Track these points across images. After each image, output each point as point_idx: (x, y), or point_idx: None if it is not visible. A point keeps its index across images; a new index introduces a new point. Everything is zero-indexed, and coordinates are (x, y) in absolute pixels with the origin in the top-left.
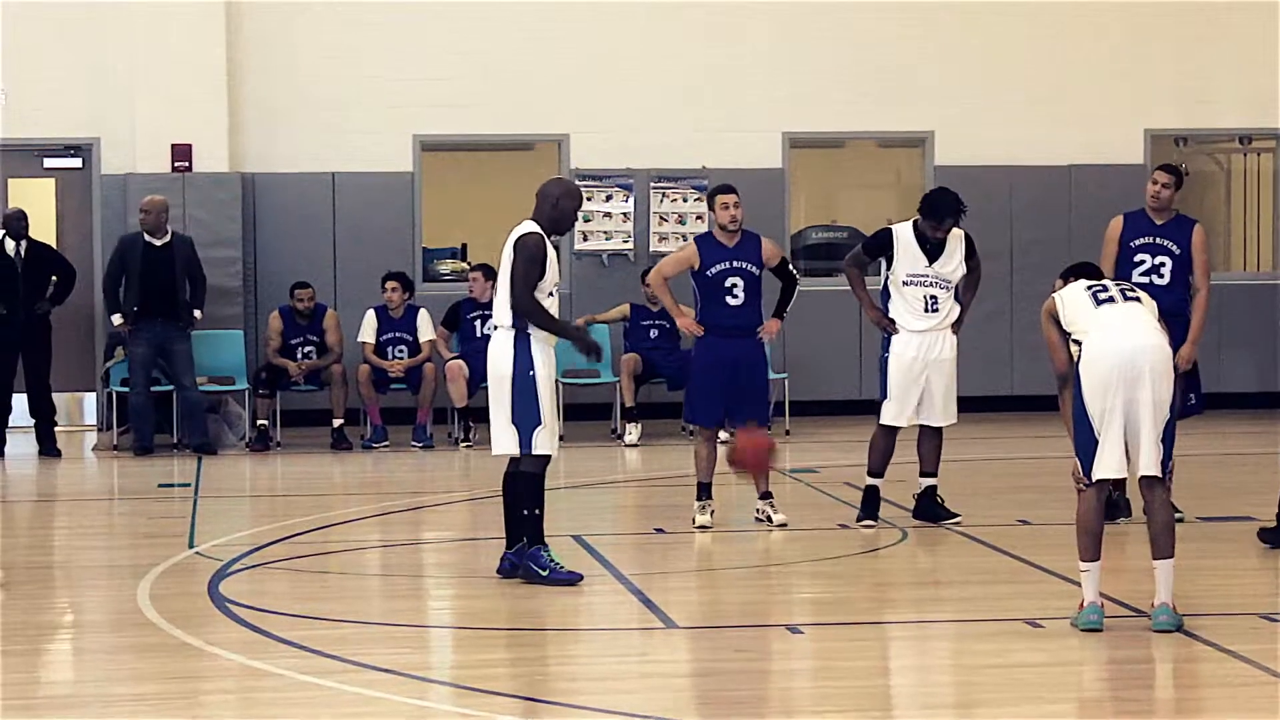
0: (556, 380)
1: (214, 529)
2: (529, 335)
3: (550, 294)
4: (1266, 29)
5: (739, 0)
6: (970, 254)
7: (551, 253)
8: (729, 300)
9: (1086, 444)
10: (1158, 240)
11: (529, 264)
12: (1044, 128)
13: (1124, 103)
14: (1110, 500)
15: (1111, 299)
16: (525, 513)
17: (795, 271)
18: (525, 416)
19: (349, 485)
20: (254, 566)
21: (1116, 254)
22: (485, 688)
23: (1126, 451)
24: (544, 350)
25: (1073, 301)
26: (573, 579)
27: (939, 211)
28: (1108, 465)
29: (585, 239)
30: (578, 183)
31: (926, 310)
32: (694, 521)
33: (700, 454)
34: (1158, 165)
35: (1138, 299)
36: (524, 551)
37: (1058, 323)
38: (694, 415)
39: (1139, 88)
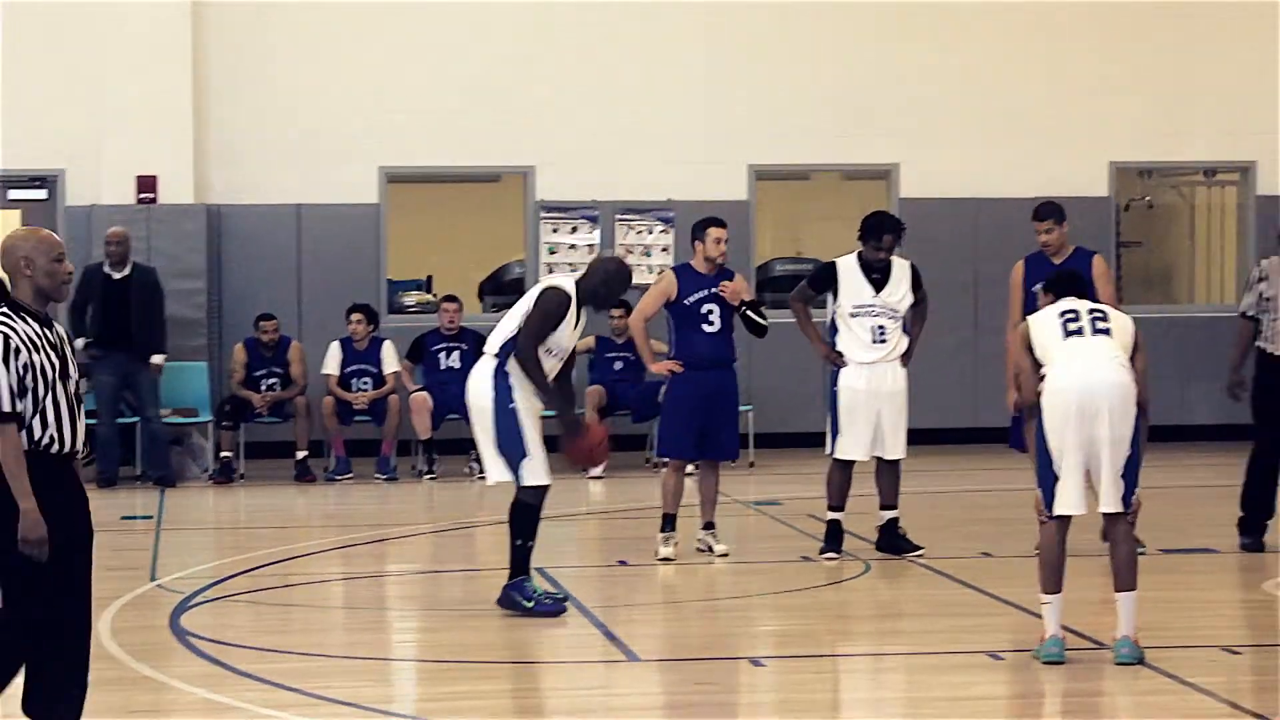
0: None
1: (176, 561)
2: (508, 370)
3: (551, 351)
4: (1231, 62)
5: (704, 33)
6: (917, 285)
7: (571, 318)
8: (705, 328)
9: (1046, 478)
10: None
11: (544, 319)
12: (1008, 160)
13: (1089, 135)
14: None
15: (1080, 330)
16: (517, 543)
17: (756, 316)
18: (511, 448)
19: (312, 517)
20: (216, 599)
21: (1023, 299)
22: None
23: (1090, 484)
24: (523, 382)
25: (1043, 328)
26: (557, 610)
27: (877, 229)
28: (1068, 501)
29: (550, 271)
30: (542, 214)
31: (874, 341)
32: (657, 553)
33: (668, 485)
34: (1035, 213)
35: (1107, 330)
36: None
37: (1031, 349)
38: (666, 449)
39: (1103, 120)
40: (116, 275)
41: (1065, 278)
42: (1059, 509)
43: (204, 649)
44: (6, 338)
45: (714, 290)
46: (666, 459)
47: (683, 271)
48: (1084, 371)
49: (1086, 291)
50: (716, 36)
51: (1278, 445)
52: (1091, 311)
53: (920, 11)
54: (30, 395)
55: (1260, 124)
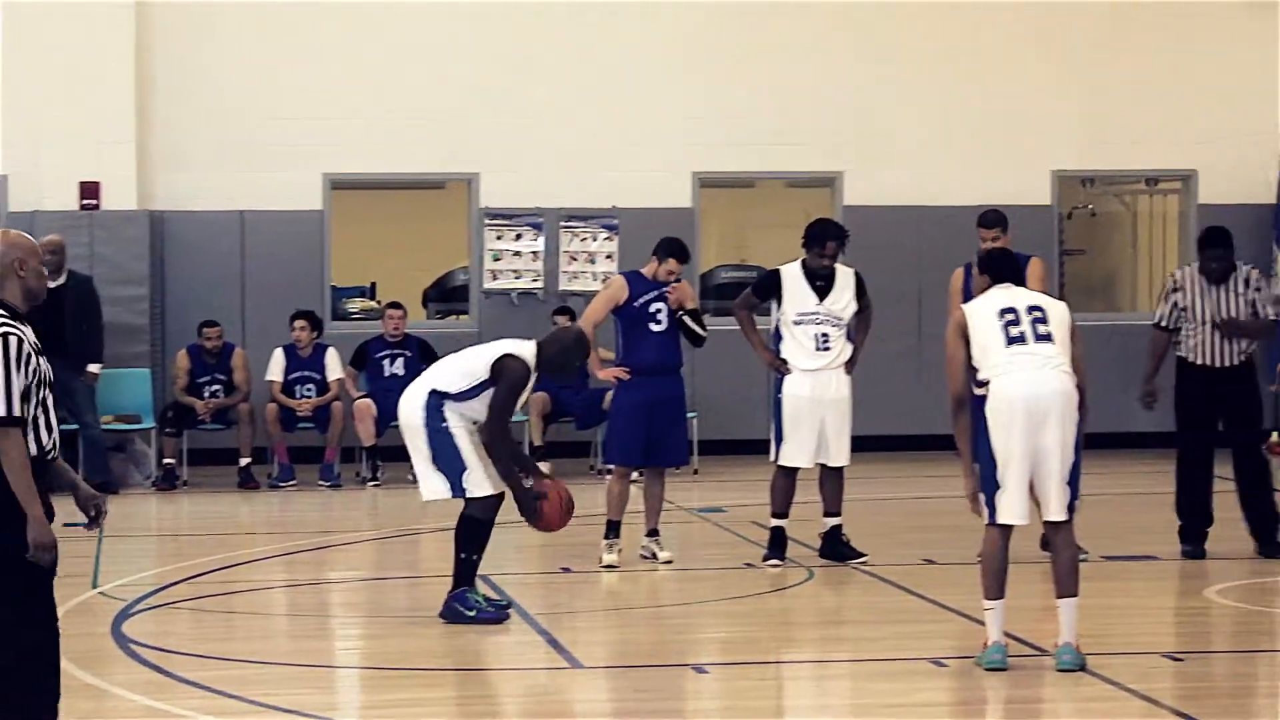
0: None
1: (118, 569)
2: (445, 410)
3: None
4: (1172, 72)
5: (649, 41)
6: (861, 293)
7: (529, 389)
8: (653, 327)
9: (989, 486)
10: None
11: (511, 395)
12: (952, 168)
13: (1031, 144)
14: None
15: (1022, 337)
16: (463, 556)
17: (700, 330)
18: (449, 463)
19: (255, 524)
20: (158, 607)
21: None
22: None
23: (1033, 494)
24: (461, 422)
25: (982, 327)
26: (500, 617)
27: (821, 236)
28: (1011, 510)
29: (495, 278)
30: (487, 221)
31: (818, 349)
32: (601, 560)
33: (613, 492)
34: (980, 220)
35: (1049, 336)
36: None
37: (966, 339)
38: (613, 456)
39: (1046, 129)
40: (52, 284)
41: (998, 257)
42: (1003, 518)
43: (146, 656)
44: (21, 341)
45: (663, 291)
46: (612, 466)
47: (632, 276)
48: (1030, 381)
49: (1020, 272)
50: (662, 43)
51: (1203, 451)
52: (1031, 310)
53: (864, 20)
54: (35, 400)
55: (1202, 133)
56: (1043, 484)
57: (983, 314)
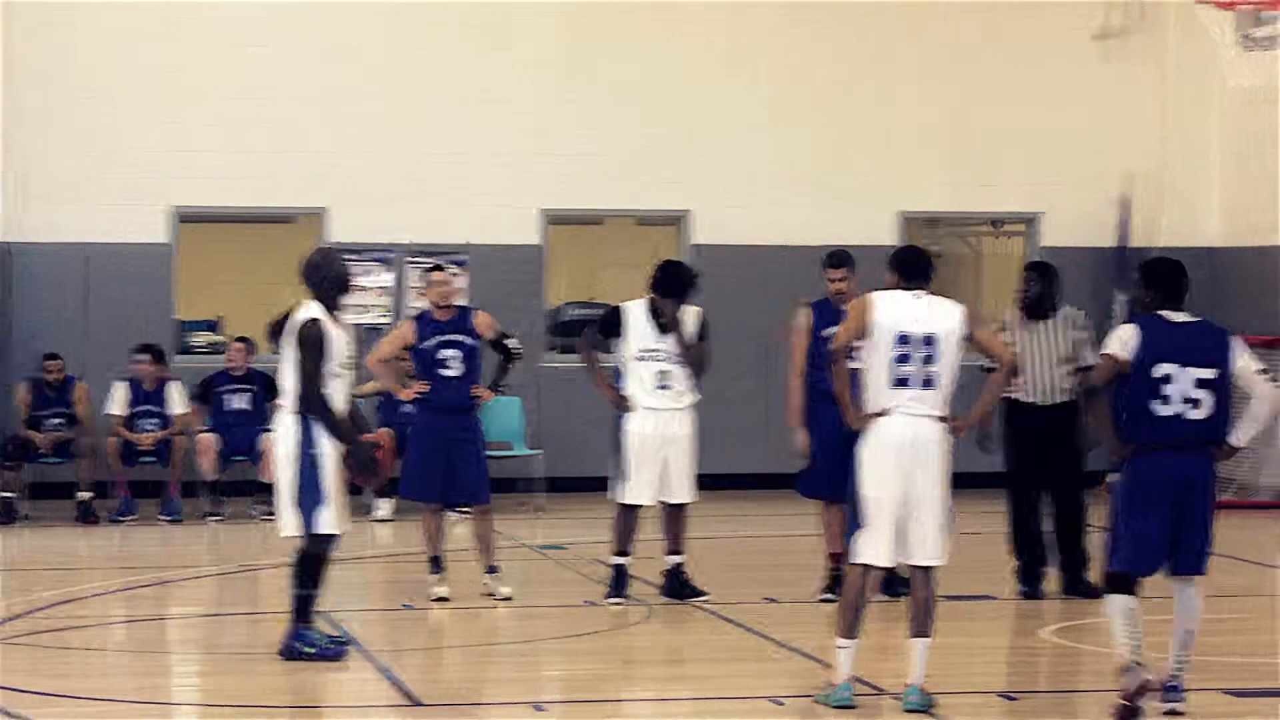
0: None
1: None
2: (312, 427)
3: (337, 374)
4: (1018, 116)
5: (499, 77)
6: (703, 334)
7: (335, 332)
8: (444, 373)
9: (854, 525)
10: None
11: (309, 355)
12: (799, 208)
13: (878, 185)
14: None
15: (908, 381)
16: (300, 591)
17: (510, 345)
18: (308, 495)
19: (95, 559)
20: None
21: (808, 344)
22: None
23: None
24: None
25: (880, 345)
26: (339, 654)
27: (680, 288)
28: (878, 554)
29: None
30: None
31: (659, 386)
32: (431, 595)
33: (427, 527)
34: (828, 259)
35: (933, 380)
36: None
37: (863, 318)
38: (407, 490)
39: (893, 170)
40: None
41: (912, 255)
42: (863, 558)
43: None
44: None
45: (451, 336)
46: (410, 500)
47: (420, 318)
48: (907, 426)
49: (930, 276)
50: (511, 80)
51: (1033, 490)
52: (926, 343)
53: (714, 60)
54: None
55: (1046, 177)
56: (916, 529)
57: (885, 328)
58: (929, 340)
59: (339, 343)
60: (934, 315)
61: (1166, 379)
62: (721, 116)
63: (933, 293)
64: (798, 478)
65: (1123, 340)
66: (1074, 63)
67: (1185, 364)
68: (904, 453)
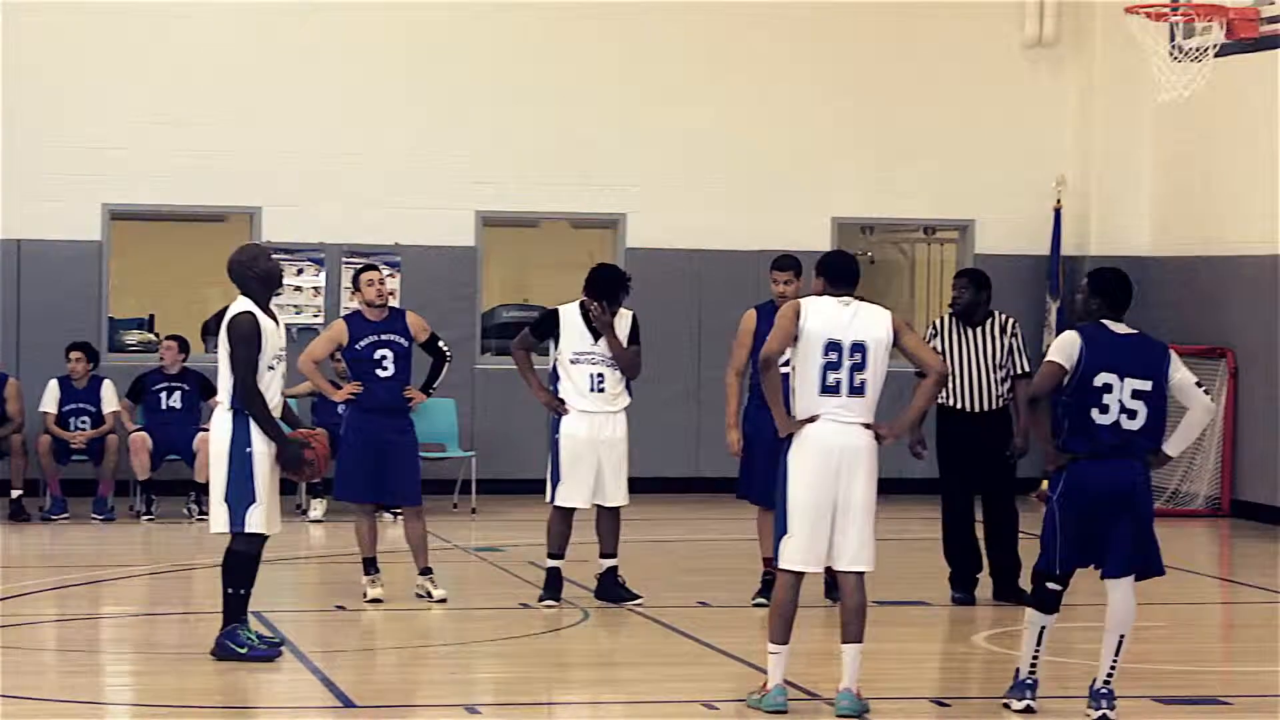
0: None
1: None
2: (249, 425)
3: (271, 367)
4: (953, 123)
5: (434, 78)
6: (633, 337)
7: (268, 324)
8: (378, 373)
9: (780, 530)
10: None
11: (247, 349)
12: (733, 213)
13: (813, 191)
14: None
15: (836, 388)
16: (229, 591)
17: (444, 347)
18: (239, 494)
19: (26, 558)
20: None
21: (751, 346)
22: None
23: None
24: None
25: (809, 352)
26: (271, 654)
27: (612, 291)
28: (800, 559)
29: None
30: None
31: (592, 389)
32: (365, 595)
33: (360, 529)
34: (775, 263)
35: (862, 388)
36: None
37: (791, 325)
38: (345, 493)
39: (828, 176)
40: None
41: (839, 260)
42: (789, 564)
43: None
44: None
45: (384, 336)
46: (343, 501)
47: (352, 319)
48: (834, 434)
49: (857, 281)
50: (447, 81)
51: (966, 496)
52: (854, 350)
53: (649, 64)
54: None
55: (978, 184)
56: (842, 534)
57: (815, 334)
58: (857, 347)
59: (272, 336)
60: (862, 322)
61: (1106, 388)
62: (657, 121)
63: (861, 298)
64: (737, 481)
65: (1065, 348)
66: (1006, 71)
67: (1124, 375)
68: (832, 459)
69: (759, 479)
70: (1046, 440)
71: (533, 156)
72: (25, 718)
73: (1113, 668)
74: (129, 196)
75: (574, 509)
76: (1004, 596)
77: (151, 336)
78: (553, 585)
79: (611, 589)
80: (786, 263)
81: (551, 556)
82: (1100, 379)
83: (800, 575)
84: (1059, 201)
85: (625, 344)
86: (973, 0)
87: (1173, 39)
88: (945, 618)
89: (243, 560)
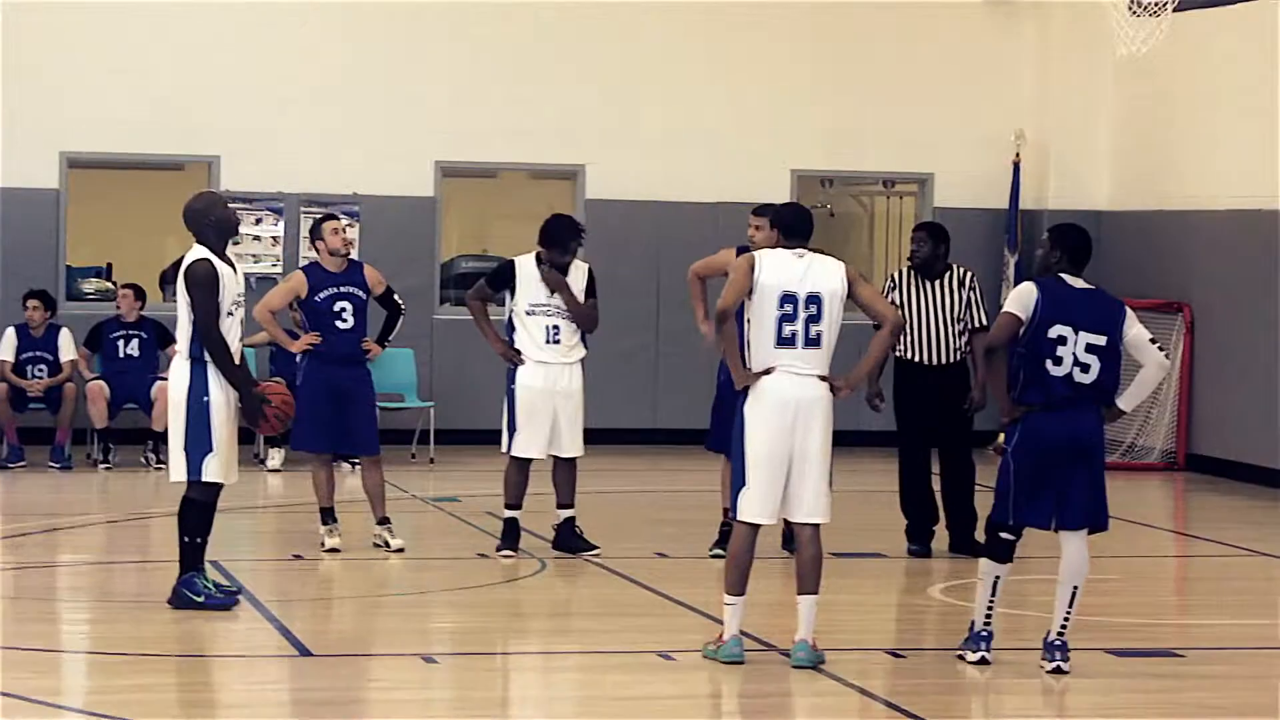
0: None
1: None
2: (206, 362)
3: (230, 313)
4: (912, 76)
5: (393, 29)
6: (590, 290)
7: (225, 271)
8: (338, 324)
9: (738, 482)
10: None
11: (207, 295)
12: (693, 165)
13: (772, 143)
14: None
15: (792, 339)
16: (185, 539)
17: (399, 300)
18: (196, 443)
19: None
20: None
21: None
22: (118, 714)
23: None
24: (221, 376)
25: (764, 304)
26: (228, 603)
27: (562, 239)
28: (761, 511)
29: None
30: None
31: (548, 341)
32: (323, 545)
33: (317, 479)
34: (756, 210)
35: (818, 340)
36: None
37: (747, 278)
38: (299, 441)
39: (787, 129)
40: None
41: (793, 212)
42: (746, 516)
43: None
44: None
45: (344, 288)
46: (300, 450)
47: (311, 269)
48: (789, 386)
49: (811, 233)
50: (405, 32)
51: (923, 450)
52: (809, 303)
53: (608, 14)
54: None
55: (937, 137)
56: (798, 486)
57: (769, 287)
58: (812, 299)
59: (229, 283)
60: (816, 274)
61: (1061, 340)
62: (616, 71)
63: (815, 250)
64: (708, 434)
65: (1022, 299)
66: (965, 25)
67: (1079, 328)
68: (788, 411)
69: (726, 429)
70: (1002, 393)
71: (492, 107)
72: None
73: (1066, 620)
74: (87, 144)
75: (530, 459)
76: (960, 549)
77: (109, 285)
78: (510, 535)
79: (569, 539)
80: (764, 210)
81: (508, 507)
82: (1055, 331)
83: (757, 527)
84: (1018, 155)
85: (582, 297)
86: None
87: None
88: (901, 570)
89: (199, 509)
